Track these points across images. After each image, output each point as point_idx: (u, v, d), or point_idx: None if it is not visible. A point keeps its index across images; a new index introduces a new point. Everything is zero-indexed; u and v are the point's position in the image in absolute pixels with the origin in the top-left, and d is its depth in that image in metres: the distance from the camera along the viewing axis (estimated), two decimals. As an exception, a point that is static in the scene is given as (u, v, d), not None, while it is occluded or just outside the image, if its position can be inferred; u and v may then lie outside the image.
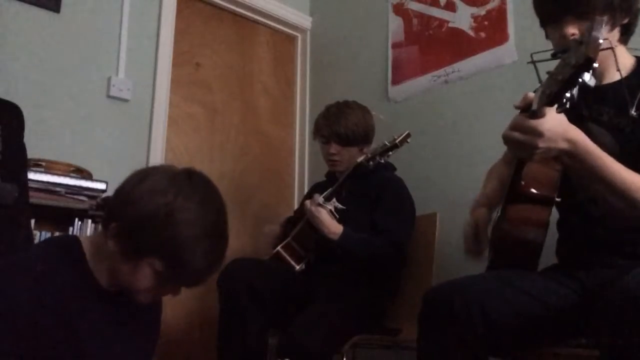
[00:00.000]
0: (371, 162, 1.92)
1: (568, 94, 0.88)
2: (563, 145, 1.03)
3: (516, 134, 1.03)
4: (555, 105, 0.91)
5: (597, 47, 0.80)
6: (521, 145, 1.03)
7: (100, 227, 1.93)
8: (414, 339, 1.23)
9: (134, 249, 1.04)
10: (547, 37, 1.35)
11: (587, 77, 0.83)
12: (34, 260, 1.06)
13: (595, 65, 0.82)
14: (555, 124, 1.00)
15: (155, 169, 1.11)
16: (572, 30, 1.23)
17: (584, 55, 0.81)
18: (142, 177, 1.07)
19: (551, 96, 0.91)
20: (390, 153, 1.90)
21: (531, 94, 1.04)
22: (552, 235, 1.35)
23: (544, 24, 1.33)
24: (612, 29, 1.23)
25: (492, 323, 1.14)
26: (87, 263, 1.10)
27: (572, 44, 0.87)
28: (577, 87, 0.86)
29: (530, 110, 1.00)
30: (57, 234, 2.05)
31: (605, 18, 0.84)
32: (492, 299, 1.16)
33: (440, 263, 2.02)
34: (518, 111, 1.12)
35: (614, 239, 1.25)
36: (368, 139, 2.15)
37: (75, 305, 1.05)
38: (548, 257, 1.35)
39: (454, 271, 1.63)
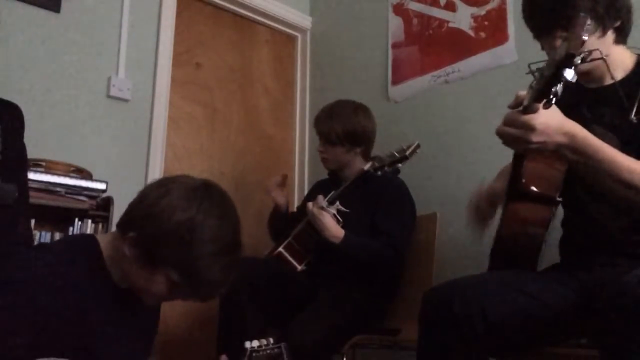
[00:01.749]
0: (379, 172, 1.89)
1: (554, 89, 0.88)
2: (560, 139, 1.03)
3: (509, 129, 1.03)
4: (544, 101, 0.92)
5: (578, 43, 0.81)
6: (515, 139, 1.04)
7: (100, 227, 1.94)
8: (414, 339, 1.24)
9: (152, 260, 1.07)
10: (542, 48, 1.35)
11: (568, 72, 0.84)
12: (53, 255, 1.08)
13: (577, 61, 0.83)
14: (548, 118, 1.01)
15: (175, 181, 1.12)
16: (558, 42, 1.24)
17: (563, 51, 0.82)
18: (164, 191, 1.09)
19: (539, 91, 0.92)
20: (400, 165, 1.86)
21: (522, 92, 1.04)
22: (555, 234, 1.35)
23: (536, 36, 1.33)
24: (602, 34, 1.23)
25: (492, 323, 1.14)
26: (104, 261, 1.12)
27: (562, 40, 0.88)
28: (562, 83, 0.86)
29: (522, 107, 1.00)
30: (57, 234, 2.06)
31: (588, 18, 0.85)
32: (492, 299, 1.16)
33: (440, 263, 2.02)
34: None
35: (614, 239, 1.25)
36: (356, 140, 2.12)
37: (90, 300, 1.07)
38: (548, 256, 1.35)
39: (454, 271, 1.63)
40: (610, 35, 1.25)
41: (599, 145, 1.06)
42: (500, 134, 1.06)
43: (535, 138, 1.01)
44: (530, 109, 0.98)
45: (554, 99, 0.90)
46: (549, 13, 1.24)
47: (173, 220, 1.04)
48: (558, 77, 0.86)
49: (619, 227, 1.24)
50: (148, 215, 1.06)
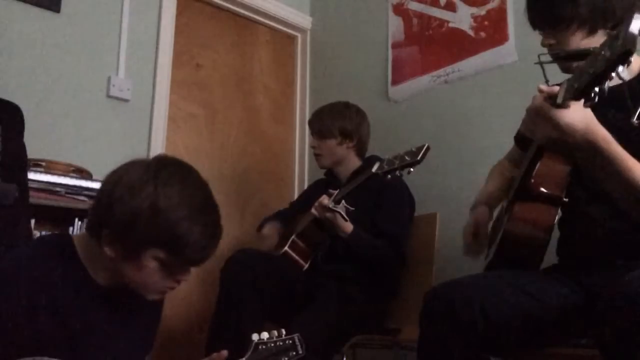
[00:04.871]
0: (389, 176, 1.82)
1: (597, 88, 0.86)
2: (580, 140, 1.00)
3: (535, 117, 1.02)
4: (582, 100, 0.90)
5: (634, 41, 0.80)
6: (536, 129, 1.03)
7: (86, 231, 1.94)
8: (414, 339, 1.23)
9: (132, 248, 1.05)
10: None
11: (622, 70, 0.82)
12: (26, 259, 1.07)
13: (632, 59, 0.81)
14: (575, 119, 0.98)
15: (126, 166, 1.11)
16: (549, 41, 1.29)
17: (621, 48, 0.80)
18: (117, 178, 1.08)
19: (580, 89, 0.90)
20: (412, 170, 1.75)
21: (557, 88, 1.02)
22: (554, 234, 1.34)
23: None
24: (589, 34, 1.24)
25: (493, 323, 1.14)
26: (80, 261, 1.10)
27: (607, 38, 0.86)
28: (608, 81, 0.85)
29: (555, 104, 0.98)
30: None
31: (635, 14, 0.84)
32: (492, 299, 1.16)
33: (440, 263, 2.02)
34: (518, 111, 1.12)
35: (614, 239, 1.25)
36: (347, 132, 2.17)
37: (69, 303, 1.06)
38: (548, 257, 1.35)
39: (454, 271, 1.63)
40: (600, 37, 1.24)
41: (621, 154, 1.02)
42: (527, 115, 1.05)
43: (554, 134, 1.00)
44: (563, 106, 0.96)
45: (597, 98, 0.87)
46: (535, 12, 1.30)
47: (134, 201, 1.02)
48: (607, 74, 0.83)
49: (619, 227, 1.24)
50: (109, 207, 1.04)
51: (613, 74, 0.83)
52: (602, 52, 0.84)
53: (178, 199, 1.04)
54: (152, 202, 1.02)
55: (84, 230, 1.13)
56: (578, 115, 0.98)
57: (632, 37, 0.80)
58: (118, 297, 1.13)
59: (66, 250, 1.10)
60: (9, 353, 0.94)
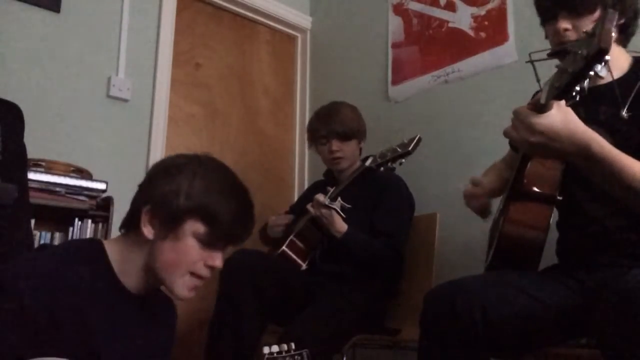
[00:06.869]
0: (382, 168, 1.87)
1: (578, 87, 0.86)
2: (567, 147, 0.99)
3: (515, 124, 1.01)
4: (563, 100, 0.90)
5: (609, 39, 0.79)
6: (516, 137, 1.02)
7: (100, 227, 1.93)
8: (414, 339, 1.24)
9: (171, 221, 1.09)
10: (546, 36, 1.36)
11: (599, 68, 0.82)
12: (53, 262, 1.06)
13: (608, 57, 0.81)
14: (555, 122, 0.97)
15: (172, 156, 1.21)
16: (565, 25, 1.26)
17: (596, 46, 0.80)
18: (162, 162, 1.19)
19: (560, 89, 0.89)
20: (403, 160, 1.81)
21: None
22: (553, 235, 1.34)
23: (543, 22, 1.35)
24: None
25: (493, 323, 1.14)
26: (111, 267, 1.10)
27: (583, 36, 0.86)
28: (588, 79, 0.85)
29: (538, 104, 0.97)
30: (57, 234, 2.06)
31: (616, 12, 0.83)
32: (493, 299, 1.16)
33: (440, 263, 2.02)
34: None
35: (614, 239, 1.25)
36: (363, 133, 2.21)
37: (94, 308, 1.05)
38: (548, 257, 1.35)
39: (454, 271, 1.63)
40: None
41: (615, 155, 1.01)
42: (506, 130, 1.04)
43: (532, 139, 0.98)
44: (546, 108, 0.95)
45: (578, 97, 0.87)
46: None
47: (178, 176, 1.11)
48: (585, 73, 0.83)
49: (618, 226, 1.24)
50: (154, 181, 1.13)
51: (591, 73, 0.83)
52: (579, 51, 0.84)
53: (216, 177, 1.14)
54: (192, 177, 1.11)
55: (119, 230, 1.18)
56: (558, 119, 0.97)
57: (607, 36, 0.79)
58: (145, 305, 1.15)
59: (96, 256, 1.10)
60: (30, 353, 0.94)
